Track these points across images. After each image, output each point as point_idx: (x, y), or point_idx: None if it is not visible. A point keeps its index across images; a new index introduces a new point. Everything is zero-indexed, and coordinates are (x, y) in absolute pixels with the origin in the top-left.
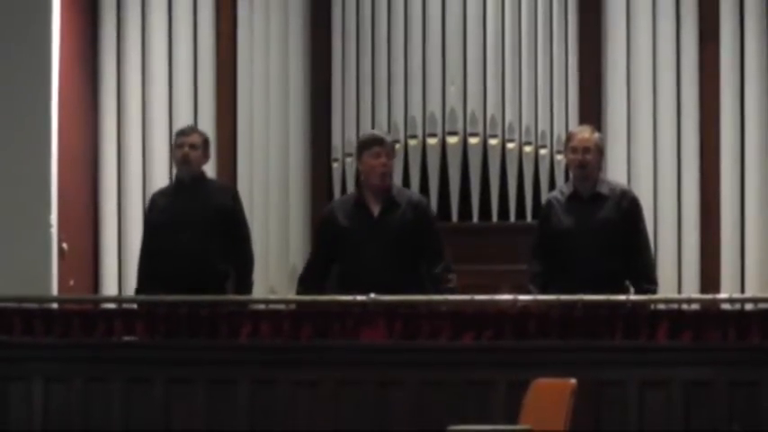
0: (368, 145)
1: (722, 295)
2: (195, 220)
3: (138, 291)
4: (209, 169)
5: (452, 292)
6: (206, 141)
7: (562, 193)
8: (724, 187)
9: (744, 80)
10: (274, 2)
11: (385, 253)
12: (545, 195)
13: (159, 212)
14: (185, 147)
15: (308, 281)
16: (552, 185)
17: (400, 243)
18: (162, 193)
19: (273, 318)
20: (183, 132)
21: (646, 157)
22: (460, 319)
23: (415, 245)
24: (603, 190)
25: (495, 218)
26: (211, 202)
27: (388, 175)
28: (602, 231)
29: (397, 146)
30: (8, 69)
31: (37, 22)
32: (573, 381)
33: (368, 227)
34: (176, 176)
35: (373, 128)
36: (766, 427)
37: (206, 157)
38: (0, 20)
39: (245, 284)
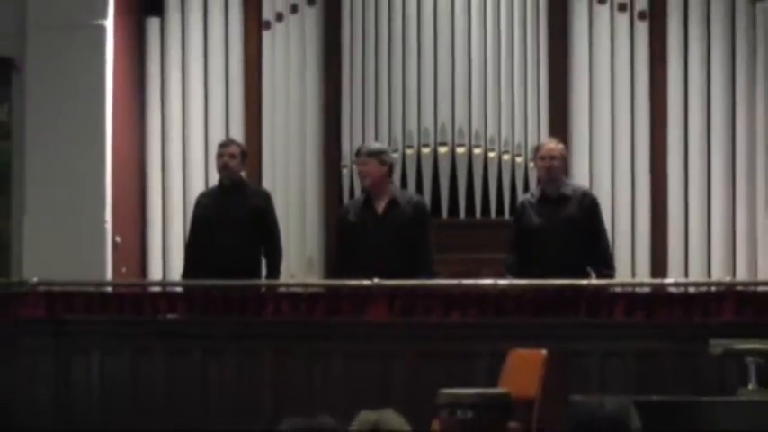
0: (355, 155)
1: (669, 280)
2: (233, 219)
3: (183, 276)
4: (244, 174)
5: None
6: (243, 152)
7: (533, 195)
8: (671, 186)
9: (687, 96)
10: (293, 33)
11: (388, 244)
12: (519, 197)
13: (203, 211)
14: (225, 156)
15: (340, 267)
16: (526, 188)
17: (401, 236)
18: (206, 194)
19: (292, 299)
20: (223, 144)
21: (605, 162)
22: (449, 300)
23: (412, 237)
24: (567, 191)
25: (478, 215)
26: (248, 204)
27: (366, 178)
28: (566, 227)
29: (396, 155)
30: (71, 92)
31: (95, 52)
32: (544, 351)
33: (374, 222)
34: (219, 180)
35: (376, 140)
36: (707, 390)
37: (243, 164)
38: (65, 49)
39: (275, 274)
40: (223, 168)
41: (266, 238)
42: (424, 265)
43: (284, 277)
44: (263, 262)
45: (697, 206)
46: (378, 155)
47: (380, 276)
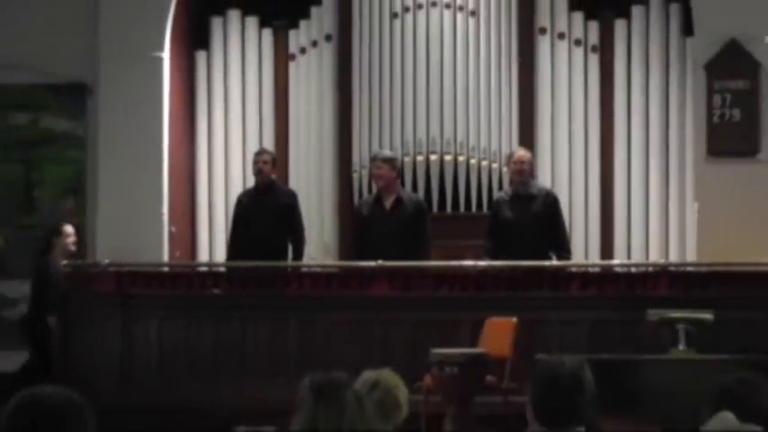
0: (370, 160)
1: (615, 261)
2: (267, 213)
3: (228, 259)
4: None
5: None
6: (274, 159)
7: (506, 193)
8: (617, 186)
9: (630, 113)
10: (313, 64)
11: (393, 234)
12: (495, 194)
13: (243, 207)
14: (260, 162)
15: (356, 251)
16: (500, 187)
17: (404, 227)
18: (245, 194)
19: (313, 277)
20: (258, 153)
21: (564, 165)
22: (439, 278)
23: (414, 229)
24: (534, 191)
25: (462, 209)
26: (278, 202)
27: (380, 180)
28: (533, 220)
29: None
30: (135, 111)
31: (154, 79)
32: (514, 319)
33: (382, 216)
34: (255, 182)
35: (381, 148)
36: (645, 350)
37: (274, 169)
38: (130, 76)
39: (299, 257)
40: (258, 173)
41: (293, 228)
42: (422, 251)
43: (306, 259)
44: (290, 248)
45: (638, 201)
46: (390, 161)
47: (387, 259)
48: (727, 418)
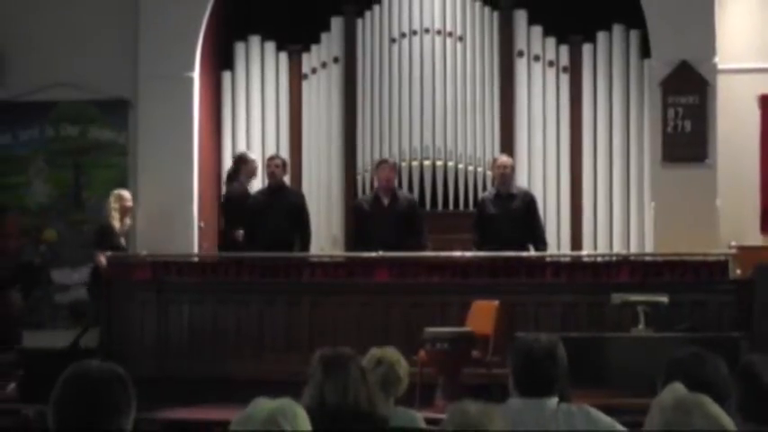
0: (380, 164)
1: (583, 252)
2: (278, 211)
3: (244, 246)
4: (286, 179)
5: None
6: (284, 163)
7: (490, 193)
8: (585, 187)
9: (596, 125)
10: (323, 82)
11: (390, 227)
12: (480, 194)
13: (257, 206)
14: (272, 166)
15: (358, 243)
16: (484, 188)
17: (399, 222)
18: (260, 193)
19: (322, 266)
20: (271, 158)
21: (539, 169)
22: (432, 267)
23: (408, 223)
24: (514, 191)
25: (451, 207)
26: (288, 201)
27: (383, 180)
28: (514, 216)
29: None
30: (169, 123)
31: (186, 95)
32: (497, 302)
33: (380, 212)
34: (267, 184)
35: (381, 155)
36: (610, 329)
37: (285, 172)
38: (165, 93)
39: (306, 249)
40: (271, 175)
41: (301, 224)
42: (420, 234)
43: (316, 250)
44: (298, 241)
45: (603, 200)
46: (394, 165)
47: (385, 249)
48: (678, 388)
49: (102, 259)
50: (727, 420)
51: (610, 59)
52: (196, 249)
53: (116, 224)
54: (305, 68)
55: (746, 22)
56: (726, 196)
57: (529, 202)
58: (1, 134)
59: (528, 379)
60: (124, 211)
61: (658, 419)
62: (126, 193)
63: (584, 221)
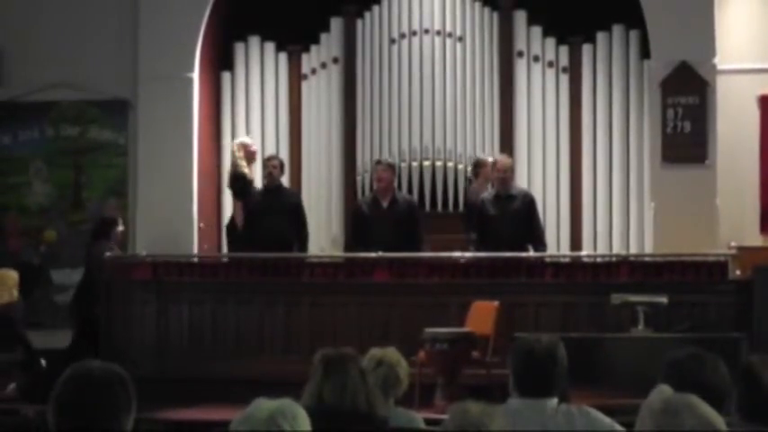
0: (376, 165)
1: (583, 252)
2: (276, 211)
3: (244, 245)
4: (286, 180)
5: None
6: (282, 164)
7: (490, 194)
8: (584, 187)
9: (596, 122)
10: (323, 83)
11: (390, 229)
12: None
13: (255, 205)
14: (270, 167)
15: (357, 244)
16: None
17: (398, 223)
18: (258, 194)
19: (322, 266)
20: (269, 158)
21: (538, 170)
22: (431, 267)
23: (407, 225)
24: (514, 192)
25: (451, 208)
26: (286, 201)
27: (382, 182)
28: (513, 217)
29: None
30: (169, 123)
31: (185, 96)
32: (496, 303)
33: (380, 213)
34: (265, 184)
35: (381, 155)
36: (609, 330)
37: (282, 172)
38: (164, 93)
39: (304, 249)
40: (268, 175)
41: (299, 223)
42: (417, 243)
43: (315, 251)
44: (295, 241)
45: (603, 201)
46: (391, 166)
47: (384, 250)
48: (664, 390)
49: (240, 213)
50: (717, 419)
51: (609, 60)
52: (196, 250)
53: (246, 171)
54: (304, 69)
55: (746, 22)
56: (725, 196)
57: (528, 202)
58: (1, 134)
59: (528, 379)
60: (250, 157)
61: (648, 422)
62: (247, 140)
63: (583, 222)
